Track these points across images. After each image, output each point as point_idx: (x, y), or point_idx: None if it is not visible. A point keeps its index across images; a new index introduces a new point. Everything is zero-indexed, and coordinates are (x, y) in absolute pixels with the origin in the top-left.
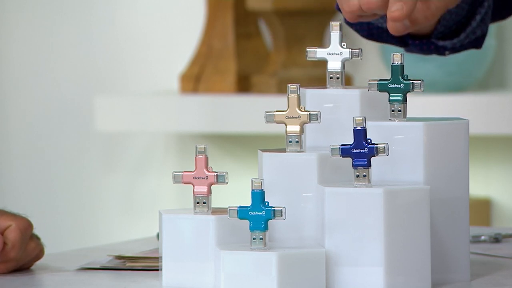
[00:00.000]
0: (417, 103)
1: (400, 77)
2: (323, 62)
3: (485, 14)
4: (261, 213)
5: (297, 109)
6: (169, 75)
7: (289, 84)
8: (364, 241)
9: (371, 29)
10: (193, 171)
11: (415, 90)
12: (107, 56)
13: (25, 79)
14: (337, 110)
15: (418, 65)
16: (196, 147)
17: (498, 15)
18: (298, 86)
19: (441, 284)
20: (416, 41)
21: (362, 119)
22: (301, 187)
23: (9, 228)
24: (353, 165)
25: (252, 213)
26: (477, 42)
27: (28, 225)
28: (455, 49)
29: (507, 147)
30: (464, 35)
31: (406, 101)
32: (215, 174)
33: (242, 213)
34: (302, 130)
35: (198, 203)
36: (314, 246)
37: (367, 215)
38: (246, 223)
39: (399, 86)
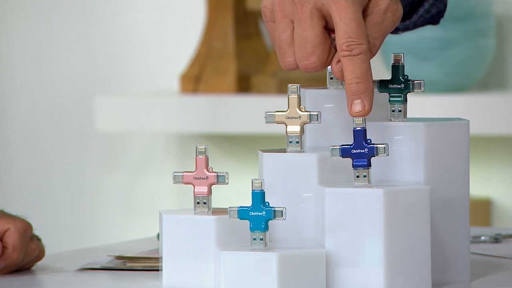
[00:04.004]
0: (417, 103)
1: (400, 77)
2: None
3: None
4: (261, 214)
5: (297, 110)
6: (169, 75)
7: (289, 85)
8: (364, 241)
9: None
10: (193, 172)
11: (415, 90)
12: (107, 56)
13: (25, 79)
14: (337, 110)
15: (418, 65)
16: (196, 147)
17: None
18: (298, 87)
19: (441, 285)
20: None
21: (362, 119)
22: (301, 188)
23: (8, 231)
24: (353, 166)
25: (252, 214)
26: (433, 19)
27: (27, 226)
28: (407, 29)
29: (507, 147)
30: (416, 16)
31: (406, 101)
32: (216, 174)
33: (242, 213)
34: (302, 131)
35: (198, 203)
36: (314, 246)
37: (367, 216)
38: (246, 223)
39: (399, 86)
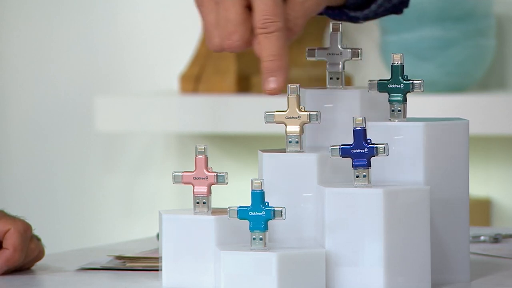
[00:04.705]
0: (417, 103)
1: (400, 77)
2: (323, 62)
3: None
4: (261, 214)
5: (297, 110)
6: (169, 75)
7: (289, 84)
8: (364, 241)
9: None
10: (193, 171)
11: (415, 90)
12: (107, 56)
13: (25, 79)
14: (337, 110)
15: (418, 65)
16: (196, 147)
17: None
18: (298, 86)
19: (441, 285)
20: (329, 11)
21: (362, 119)
22: (301, 188)
23: (8, 232)
24: (353, 166)
25: (252, 214)
26: (396, 8)
27: (27, 227)
28: (368, 18)
29: (507, 147)
30: (375, 6)
31: (406, 101)
32: (215, 174)
33: (242, 213)
34: (302, 130)
35: (198, 203)
36: (314, 246)
37: (367, 215)
38: (246, 223)
39: (399, 86)
